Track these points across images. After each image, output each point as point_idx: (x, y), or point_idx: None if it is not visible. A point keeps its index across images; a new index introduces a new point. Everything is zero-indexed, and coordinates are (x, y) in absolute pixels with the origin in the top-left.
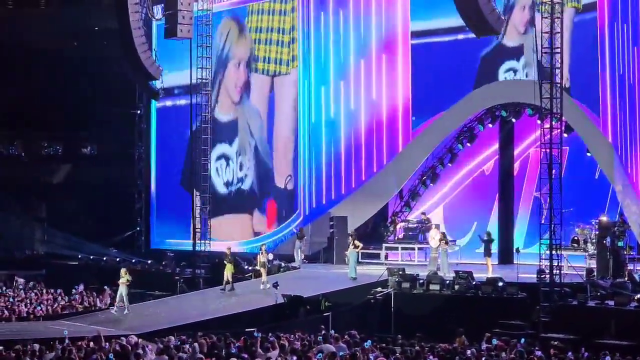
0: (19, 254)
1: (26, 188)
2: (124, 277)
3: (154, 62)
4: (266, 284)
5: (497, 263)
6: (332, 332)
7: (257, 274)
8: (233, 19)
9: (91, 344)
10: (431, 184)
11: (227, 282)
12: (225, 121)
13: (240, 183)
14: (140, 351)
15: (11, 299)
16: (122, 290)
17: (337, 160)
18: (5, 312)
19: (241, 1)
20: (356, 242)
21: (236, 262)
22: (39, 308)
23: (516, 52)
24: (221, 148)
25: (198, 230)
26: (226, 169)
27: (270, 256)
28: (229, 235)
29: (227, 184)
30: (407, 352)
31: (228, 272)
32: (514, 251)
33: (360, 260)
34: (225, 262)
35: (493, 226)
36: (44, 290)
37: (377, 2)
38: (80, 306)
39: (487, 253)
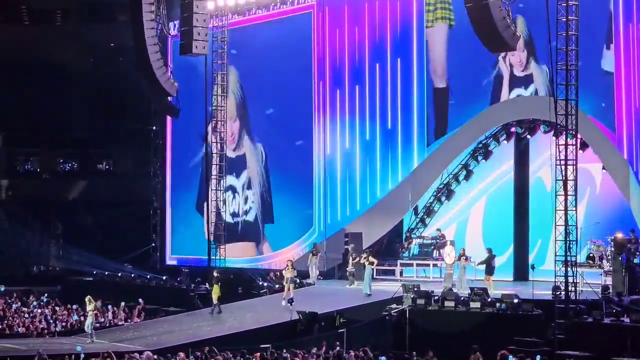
0: (34, 270)
1: (42, 204)
2: (90, 305)
3: (170, 78)
4: (288, 301)
5: (512, 280)
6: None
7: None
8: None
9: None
10: (446, 201)
11: (216, 304)
12: (232, 156)
13: (245, 215)
14: None
15: (27, 315)
16: (88, 319)
17: (352, 176)
18: (22, 327)
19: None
20: (371, 258)
21: (223, 284)
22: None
23: (526, 81)
24: (229, 180)
25: (213, 246)
26: (232, 201)
27: (295, 272)
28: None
29: (233, 215)
30: None
31: (214, 295)
32: (530, 268)
33: (375, 276)
34: (213, 283)
35: (508, 243)
36: (60, 306)
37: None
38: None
39: (489, 271)
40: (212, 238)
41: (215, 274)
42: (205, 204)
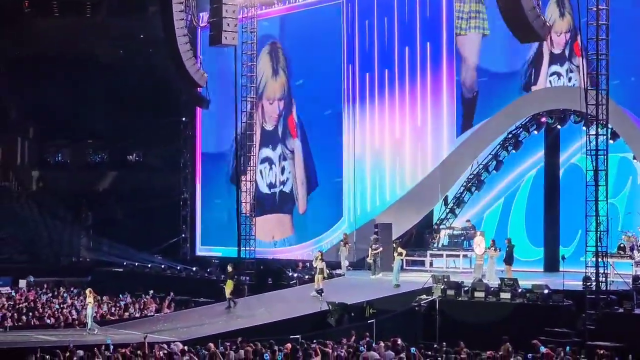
0: (65, 261)
1: (72, 196)
2: (89, 297)
3: (199, 69)
4: (317, 291)
5: (542, 270)
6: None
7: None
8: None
9: (136, 351)
10: (476, 191)
11: (228, 299)
12: (269, 129)
13: (282, 186)
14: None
15: (57, 306)
16: (88, 310)
17: (382, 166)
18: (52, 319)
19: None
20: (399, 249)
21: (237, 280)
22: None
23: (561, 58)
24: (265, 152)
25: (243, 236)
26: (269, 172)
27: (324, 263)
28: (270, 233)
29: (270, 186)
30: (451, 359)
31: (227, 289)
32: (560, 258)
33: (404, 267)
34: (227, 278)
35: (539, 233)
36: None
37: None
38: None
39: (509, 261)
40: (247, 209)
41: (229, 268)
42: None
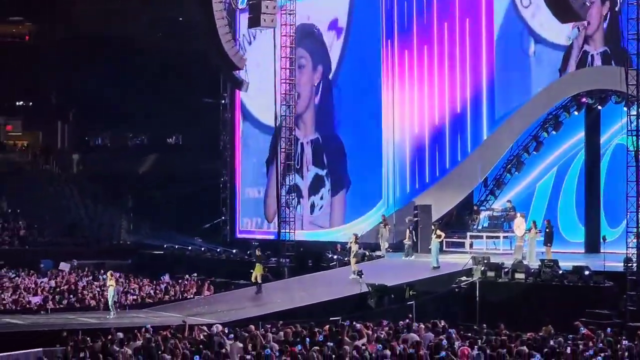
0: (105, 244)
1: (113, 178)
2: (111, 280)
3: (238, 52)
4: (355, 273)
5: (583, 252)
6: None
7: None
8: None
9: (176, 333)
10: (516, 172)
11: (256, 283)
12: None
13: (322, 169)
14: (223, 340)
15: (98, 289)
16: (110, 292)
17: (421, 148)
18: (93, 301)
19: None
20: (438, 231)
21: (265, 263)
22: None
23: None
24: (302, 134)
25: (283, 219)
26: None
27: (359, 246)
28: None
29: (308, 169)
30: (492, 341)
31: (257, 273)
32: (601, 240)
33: (444, 249)
34: (255, 262)
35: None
36: (131, 280)
37: None
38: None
39: (548, 242)
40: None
41: (257, 252)
42: (275, 159)
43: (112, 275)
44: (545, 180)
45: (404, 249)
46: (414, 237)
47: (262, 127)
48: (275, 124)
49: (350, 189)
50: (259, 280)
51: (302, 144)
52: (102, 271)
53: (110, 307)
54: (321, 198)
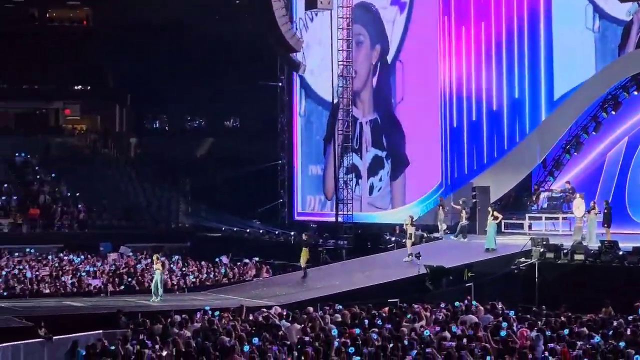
0: (163, 227)
1: (170, 161)
2: (157, 264)
3: (295, 34)
4: (411, 256)
5: None
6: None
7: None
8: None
9: (235, 315)
10: (575, 153)
11: (304, 268)
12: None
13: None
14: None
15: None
16: (157, 277)
17: (479, 128)
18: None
19: None
20: (495, 213)
21: (312, 247)
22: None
23: None
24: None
25: (341, 201)
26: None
27: (415, 227)
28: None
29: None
30: (551, 322)
31: (303, 258)
32: None
33: (503, 230)
34: (302, 246)
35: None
36: (189, 262)
37: None
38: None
39: (607, 223)
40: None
41: (304, 237)
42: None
43: (158, 259)
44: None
45: (460, 231)
46: (468, 219)
47: (325, 103)
48: (332, 104)
49: (410, 170)
50: (303, 265)
51: (360, 123)
52: (160, 253)
53: (154, 292)
54: (380, 180)
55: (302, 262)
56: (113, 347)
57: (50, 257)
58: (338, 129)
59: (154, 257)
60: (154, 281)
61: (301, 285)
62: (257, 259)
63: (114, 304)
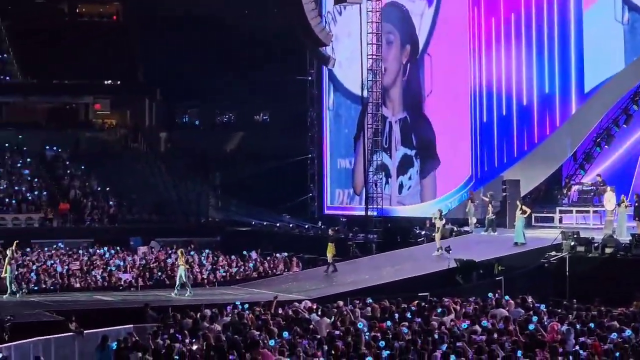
0: (194, 221)
1: (200, 156)
2: (181, 259)
3: (324, 28)
4: (440, 250)
5: None
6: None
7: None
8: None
9: (265, 309)
10: (606, 146)
11: (329, 263)
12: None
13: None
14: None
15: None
16: (181, 272)
17: (509, 122)
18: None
19: None
20: (524, 207)
21: (338, 242)
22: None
23: None
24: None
25: (371, 195)
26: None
27: (443, 221)
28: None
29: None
30: (582, 316)
31: (329, 254)
32: None
33: (533, 224)
34: (328, 242)
35: None
36: (219, 256)
37: None
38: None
39: (638, 216)
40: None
41: (330, 232)
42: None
43: (182, 254)
44: None
45: (488, 224)
46: (495, 212)
47: (353, 97)
48: (362, 100)
49: (440, 167)
50: (330, 260)
51: (390, 122)
52: (189, 247)
53: (177, 286)
54: (409, 178)
55: (329, 257)
56: (144, 342)
57: (80, 251)
58: (367, 123)
59: (179, 252)
60: (177, 276)
61: (331, 280)
62: (286, 253)
63: (143, 299)
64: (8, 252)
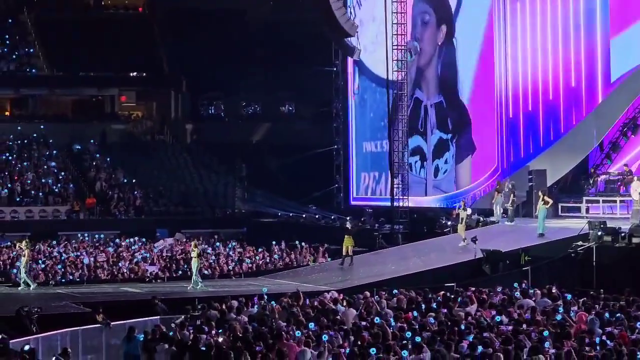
0: (220, 213)
1: (226, 147)
2: (194, 251)
3: (349, 19)
4: (466, 240)
5: None
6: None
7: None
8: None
9: (291, 300)
10: (632, 135)
11: (347, 256)
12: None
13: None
14: (337, 307)
15: (213, 257)
16: (193, 264)
17: (535, 112)
18: (209, 270)
19: None
20: (546, 197)
21: (357, 235)
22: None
23: None
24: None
25: (396, 185)
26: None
27: (469, 211)
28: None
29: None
30: (609, 306)
31: (348, 245)
32: None
33: (560, 214)
34: (345, 234)
35: None
36: (246, 248)
37: None
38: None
39: None
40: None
41: (348, 225)
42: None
43: (196, 245)
44: None
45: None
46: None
47: (379, 80)
48: (387, 85)
49: (476, 153)
50: (350, 253)
51: (425, 106)
52: (215, 237)
53: (194, 278)
54: (445, 162)
55: (345, 250)
56: (171, 333)
57: (107, 243)
58: (394, 113)
59: (192, 244)
60: (193, 268)
61: (357, 270)
62: (312, 244)
63: (170, 290)
64: (23, 245)
